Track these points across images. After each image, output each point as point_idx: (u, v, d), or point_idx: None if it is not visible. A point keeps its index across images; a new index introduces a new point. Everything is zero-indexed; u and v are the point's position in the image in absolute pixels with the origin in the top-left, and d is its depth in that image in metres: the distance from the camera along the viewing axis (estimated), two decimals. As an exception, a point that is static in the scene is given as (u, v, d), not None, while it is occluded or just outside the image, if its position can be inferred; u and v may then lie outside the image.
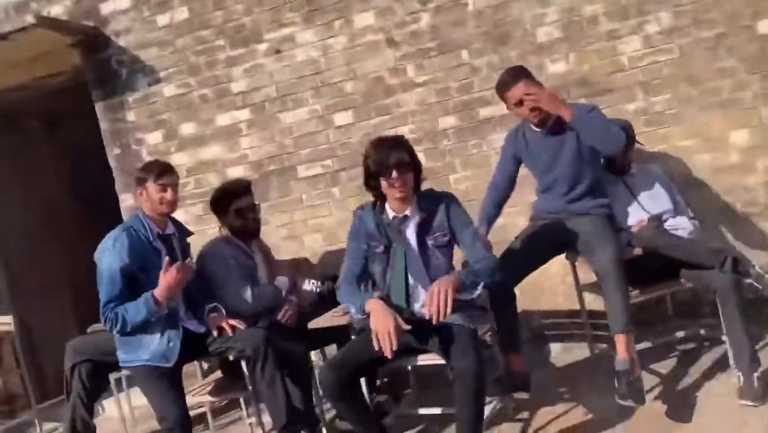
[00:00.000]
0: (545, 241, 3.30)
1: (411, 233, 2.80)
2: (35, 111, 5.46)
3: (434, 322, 2.52)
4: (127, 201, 4.65)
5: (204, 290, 3.19)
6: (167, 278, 2.81)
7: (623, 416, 2.97)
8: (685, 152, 3.77)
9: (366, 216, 2.87)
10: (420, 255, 2.79)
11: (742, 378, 2.87)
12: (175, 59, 4.44)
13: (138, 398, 4.45)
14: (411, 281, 2.78)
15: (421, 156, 3.95)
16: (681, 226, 3.35)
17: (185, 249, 3.21)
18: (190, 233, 3.27)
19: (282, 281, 3.48)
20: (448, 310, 2.49)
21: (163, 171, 3.03)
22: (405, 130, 4.12)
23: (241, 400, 3.66)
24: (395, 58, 4.12)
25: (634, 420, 2.95)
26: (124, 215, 4.67)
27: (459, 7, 3.98)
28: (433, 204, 2.83)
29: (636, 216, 3.37)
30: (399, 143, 2.79)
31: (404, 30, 4.08)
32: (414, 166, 2.79)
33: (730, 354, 2.98)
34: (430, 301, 2.51)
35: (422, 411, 3.22)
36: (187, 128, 4.50)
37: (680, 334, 3.56)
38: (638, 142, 3.49)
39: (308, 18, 4.21)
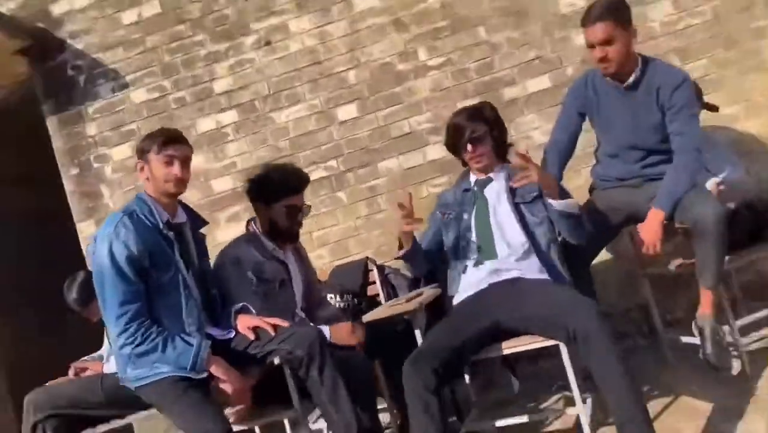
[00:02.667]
0: (621, 209, 2.86)
1: (493, 193, 2.68)
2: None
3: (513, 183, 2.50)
4: (86, 231, 3.90)
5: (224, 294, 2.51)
6: (235, 381, 2.27)
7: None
8: (730, 120, 3.48)
9: (448, 191, 2.86)
10: (512, 211, 2.61)
11: None
12: (146, 60, 3.86)
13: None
14: (494, 231, 2.61)
15: (439, 148, 3.59)
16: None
17: (201, 241, 2.56)
18: (204, 222, 2.61)
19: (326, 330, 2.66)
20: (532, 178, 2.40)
21: (169, 140, 2.37)
22: (420, 120, 3.70)
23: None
24: (404, 41, 3.71)
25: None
26: (85, 252, 3.92)
27: (471, -17, 3.66)
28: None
29: (708, 182, 2.99)
30: (477, 113, 2.72)
31: (411, 11, 3.70)
32: (492, 135, 2.71)
33: None
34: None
35: (499, 423, 2.61)
36: (162, 138, 3.86)
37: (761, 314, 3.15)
38: (710, 106, 3.14)
39: (302, 4, 3.76)
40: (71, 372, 3.39)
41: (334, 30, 3.74)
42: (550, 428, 2.81)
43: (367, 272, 3.54)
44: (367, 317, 2.57)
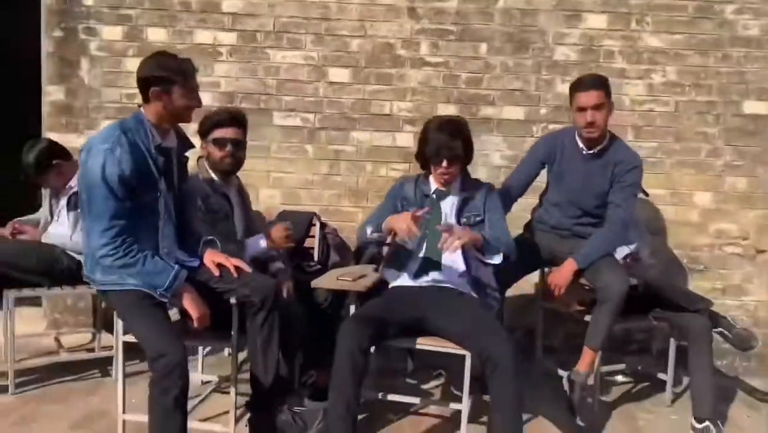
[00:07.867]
0: (545, 252, 3.32)
1: (447, 207, 2.96)
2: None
3: (441, 246, 2.64)
4: (52, 95, 3.91)
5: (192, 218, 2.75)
6: (199, 308, 2.48)
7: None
8: (654, 199, 3.99)
9: (407, 184, 3.06)
10: None
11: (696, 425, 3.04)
12: (164, -46, 3.85)
13: (22, 326, 3.72)
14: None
15: (409, 137, 3.88)
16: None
17: (184, 165, 2.71)
18: (191, 146, 2.73)
19: (253, 243, 2.95)
20: (456, 245, 2.63)
21: (189, 76, 2.48)
22: (401, 106, 3.95)
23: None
24: (412, 30, 3.91)
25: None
26: (46, 114, 3.93)
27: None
28: (474, 189, 3.03)
29: (620, 250, 3.38)
30: (459, 131, 2.90)
31: (428, 4, 3.89)
32: (465, 157, 2.95)
33: (692, 399, 3.13)
34: (448, 235, 2.62)
35: (392, 397, 3.03)
36: (156, 34, 3.90)
37: (620, 366, 3.73)
38: (642, 190, 3.46)
39: (330, -42, 3.87)
40: (8, 229, 3.50)
41: (352, -5, 3.89)
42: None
43: (310, 225, 3.82)
44: (316, 283, 2.87)
